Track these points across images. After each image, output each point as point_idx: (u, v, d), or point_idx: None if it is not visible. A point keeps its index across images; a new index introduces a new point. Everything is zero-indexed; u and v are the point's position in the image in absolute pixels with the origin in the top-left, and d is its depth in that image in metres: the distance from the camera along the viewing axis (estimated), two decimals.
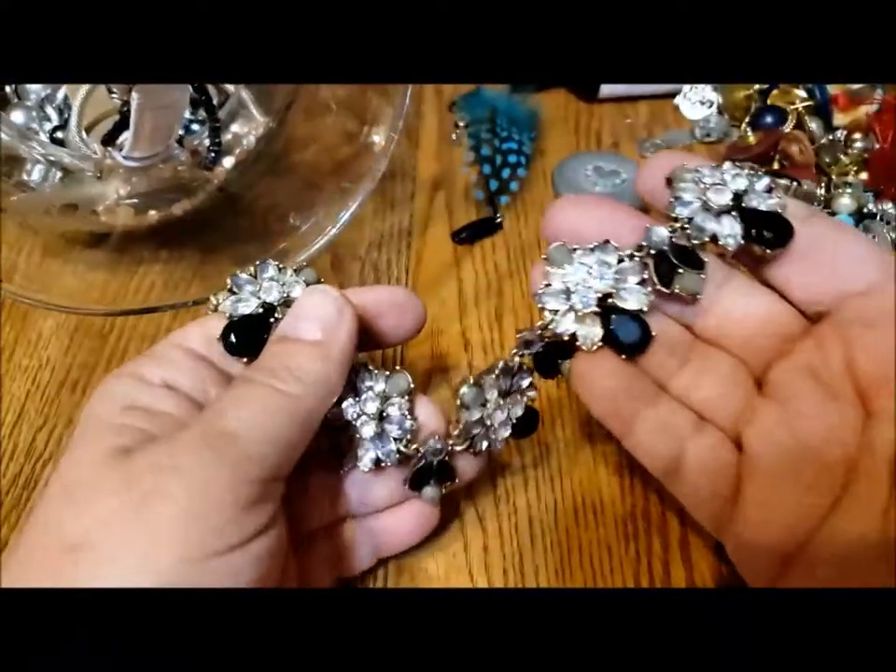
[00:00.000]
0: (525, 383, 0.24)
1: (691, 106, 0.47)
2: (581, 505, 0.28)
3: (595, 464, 0.29)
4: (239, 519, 0.18)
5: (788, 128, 0.42)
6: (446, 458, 0.23)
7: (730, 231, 0.21)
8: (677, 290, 0.21)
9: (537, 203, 0.41)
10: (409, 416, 0.23)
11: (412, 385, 0.23)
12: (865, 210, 0.38)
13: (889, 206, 0.37)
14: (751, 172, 0.22)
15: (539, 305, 0.22)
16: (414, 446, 0.23)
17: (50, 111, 0.36)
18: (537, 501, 0.28)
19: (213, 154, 0.35)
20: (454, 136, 0.45)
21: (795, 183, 0.22)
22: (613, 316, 0.21)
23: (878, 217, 0.37)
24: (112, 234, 0.35)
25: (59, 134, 0.36)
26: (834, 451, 0.20)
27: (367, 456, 0.23)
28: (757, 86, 0.45)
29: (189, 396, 0.21)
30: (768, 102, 0.44)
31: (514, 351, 0.23)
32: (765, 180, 0.21)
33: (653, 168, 0.22)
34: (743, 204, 0.21)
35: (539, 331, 0.22)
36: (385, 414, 0.23)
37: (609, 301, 0.21)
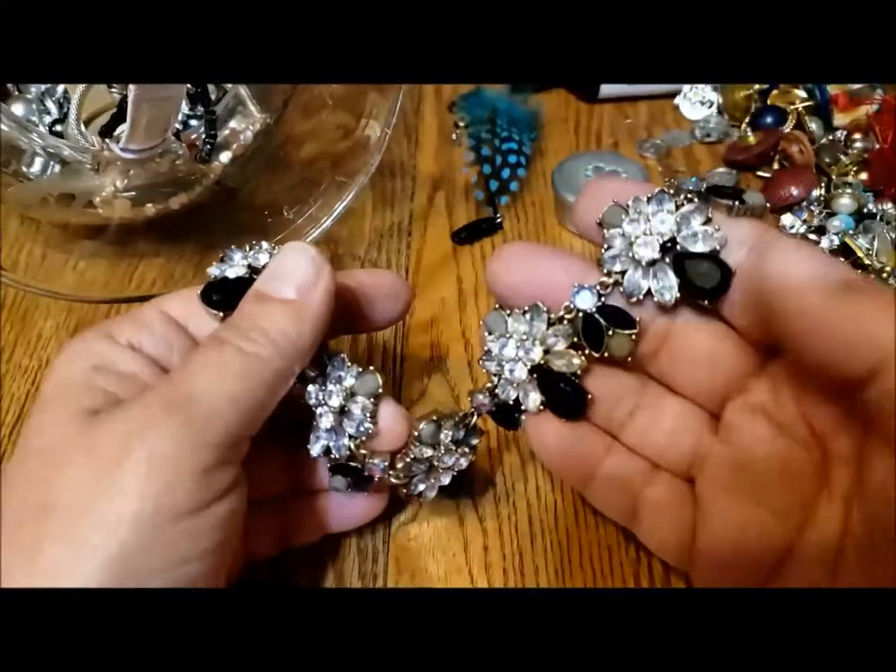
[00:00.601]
0: (474, 441, 0.24)
1: (691, 107, 0.47)
2: (581, 505, 0.28)
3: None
4: (202, 482, 0.18)
5: (788, 128, 0.43)
6: (375, 475, 0.24)
7: (665, 284, 0.20)
8: (606, 355, 0.21)
9: (537, 204, 0.41)
10: (369, 419, 0.22)
11: (380, 388, 0.22)
12: (865, 210, 0.38)
13: (888, 206, 0.37)
14: (688, 200, 0.20)
15: (484, 371, 0.22)
16: (364, 452, 0.23)
17: (50, 104, 0.37)
18: (537, 501, 0.28)
19: (208, 146, 0.35)
20: (454, 136, 0.45)
21: (737, 202, 0.21)
22: (548, 384, 0.21)
23: (878, 218, 0.37)
24: (109, 226, 0.35)
25: (58, 127, 0.36)
26: (789, 491, 0.20)
27: (318, 444, 0.23)
28: (757, 86, 0.45)
29: (153, 358, 0.21)
30: (768, 102, 0.45)
31: (471, 411, 0.23)
32: (701, 215, 0.19)
33: (585, 204, 0.21)
34: (678, 247, 0.20)
35: (489, 393, 0.23)
36: (346, 409, 0.22)
37: (544, 365, 0.21)
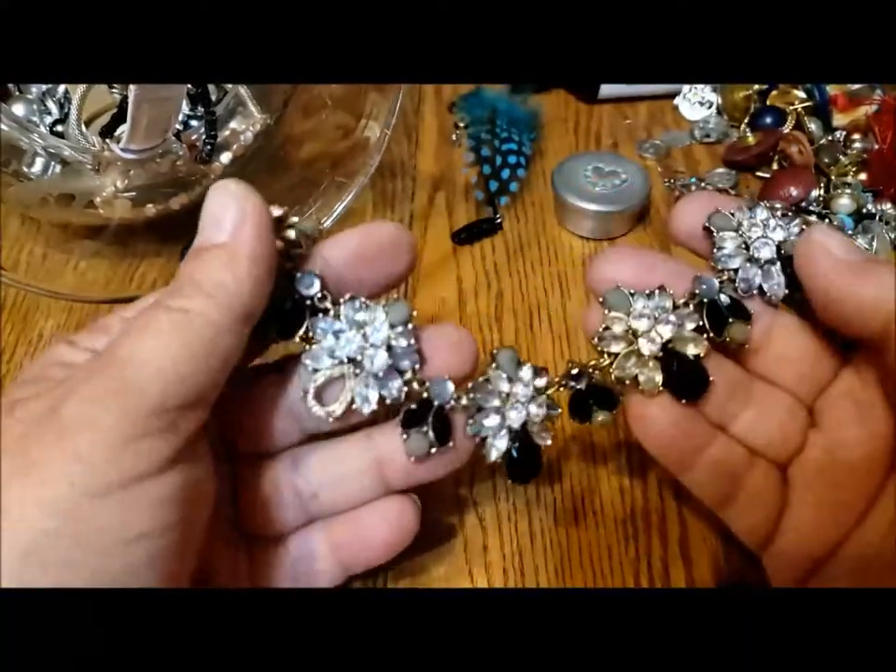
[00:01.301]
0: (543, 411, 0.22)
1: (690, 107, 0.47)
2: (580, 505, 0.28)
3: (595, 464, 0.29)
4: (130, 453, 0.16)
5: (787, 128, 0.43)
6: (448, 410, 0.21)
7: (776, 282, 0.22)
8: (727, 340, 0.22)
9: (536, 204, 0.41)
10: (414, 347, 0.21)
11: (413, 313, 0.21)
12: (864, 210, 0.38)
13: (888, 207, 0.37)
14: (785, 213, 0.23)
15: (600, 349, 0.22)
16: (424, 384, 0.21)
17: (51, 104, 0.37)
18: (536, 501, 0.28)
19: (209, 147, 0.35)
20: (454, 137, 0.45)
21: (826, 220, 0.23)
22: (675, 362, 0.22)
23: (877, 218, 0.37)
24: (109, 226, 0.35)
25: (59, 128, 0.36)
26: (868, 471, 0.21)
27: (372, 395, 0.21)
28: (756, 86, 0.45)
29: None
30: (767, 102, 0.45)
31: (558, 380, 0.22)
32: (797, 226, 0.23)
33: (687, 212, 0.23)
34: (783, 252, 0.22)
35: (591, 370, 0.22)
36: (389, 346, 0.21)
37: (669, 346, 0.22)
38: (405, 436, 0.21)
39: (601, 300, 0.22)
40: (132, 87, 0.29)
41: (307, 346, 0.21)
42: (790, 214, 0.23)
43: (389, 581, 0.26)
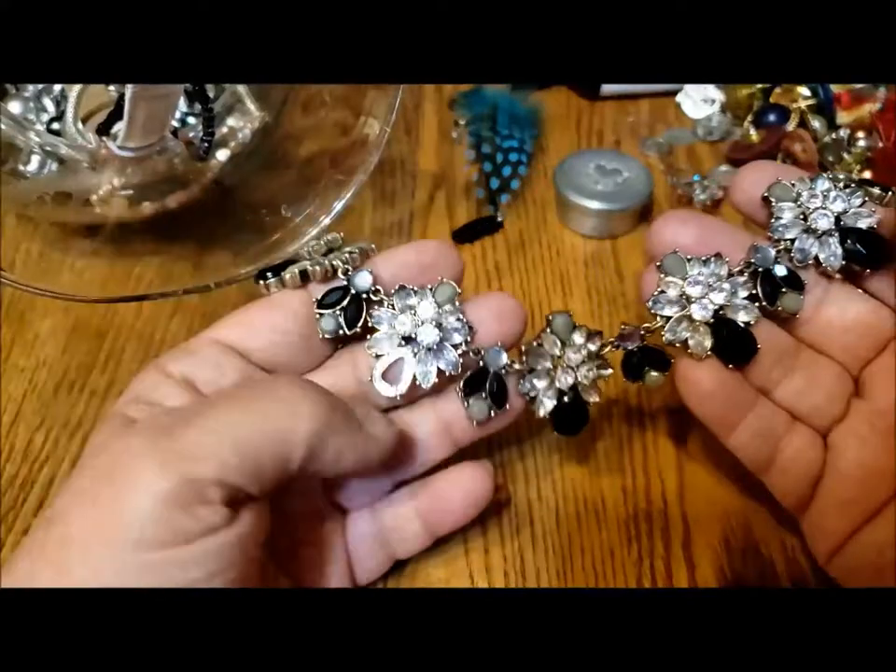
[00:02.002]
0: (593, 373, 0.24)
1: (693, 105, 0.47)
2: (582, 507, 0.28)
3: (598, 466, 0.29)
4: (175, 517, 0.17)
5: (791, 126, 0.42)
6: (503, 375, 0.23)
7: (832, 253, 0.23)
8: (780, 309, 0.23)
9: (538, 202, 0.41)
10: (463, 321, 0.23)
11: (458, 290, 0.23)
12: None
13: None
14: (847, 185, 0.23)
15: (654, 311, 0.23)
16: (479, 350, 0.23)
17: (47, 102, 0.36)
18: (538, 503, 0.28)
19: (206, 144, 0.35)
20: (454, 134, 0.44)
21: (890, 193, 0.23)
22: (725, 329, 0.22)
23: None
24: (106, 225, 0.34)
25: (55, 125, 0.36)
26: (892, 453, 0.22)
27: (431, 370, 0.23)
28: (759, 84, 0.45)
29: (202, 390, 0.21)
30: (771, 100, 0.44)
31: (612, 340, 0.24)
32: (861, 198, 0.23)
33: (748, 180, 0.24)
34: (842, 223, 0.23)
35: (643, 332, 0.23)
36: (441, 325, 0.23)
37: (720, 312, 0.23)
38: (466, 403, 0.23)
39: (658, 264, 0.23)
40: (128, 85, 0.29)
41: (368, 336, 0.23)
42: (852, 185, 0.23)
43: (390, 582, 0.26)
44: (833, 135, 0.41)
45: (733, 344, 0.23)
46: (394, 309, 0.23)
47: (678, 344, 0.23)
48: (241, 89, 0.38)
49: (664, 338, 0.23)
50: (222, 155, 0.37)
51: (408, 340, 0.23)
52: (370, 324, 0.23)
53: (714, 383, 0.23)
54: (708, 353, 0.22)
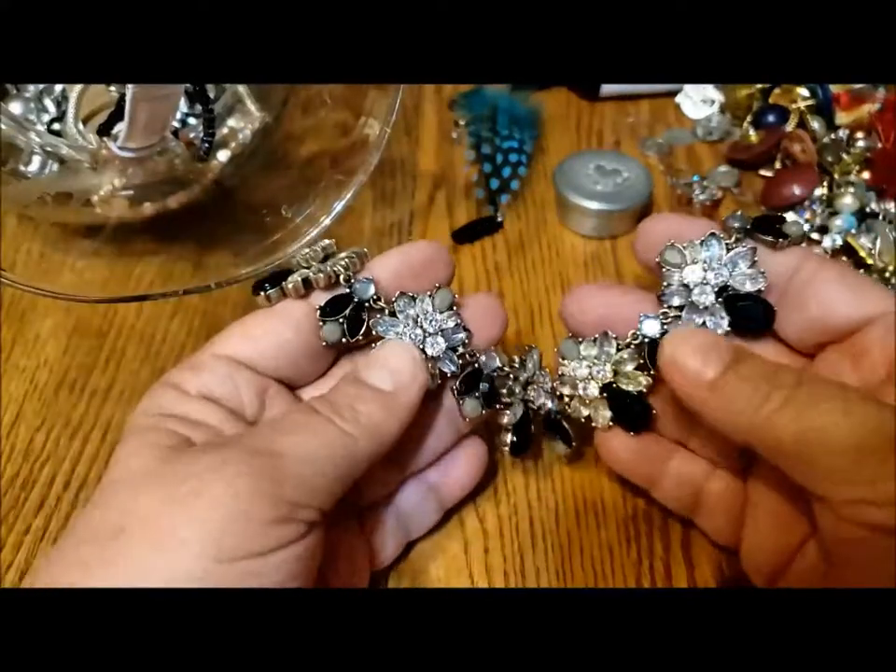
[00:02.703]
0: (547, 384, 0.26)
1: (692, 105, 0.47)
2: (582, 507, 0.28)
3: (597, 465, 0.29)
4: (268, 531, 0.18)
5: (790, 127, 0.42)
6: (494, 377, 0.25)
7: (718, 322, 0.23)
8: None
9: (538, 202, 0.41)
10: (461, 325, 0.24)
11: (456, 297, 0.24)
12: (868, 209, 0.38)
13: (891, 206, 0.37)
14: (737, 240, 0.23)
15: (558, 394, 0.26)
16: (475, 352, 0.24)
17: (48, 103, 0.36)
18: (538, 503, 0.28)
19: (206, 145, 0.35)
20: (454, 135, 0.44)
21: (780, 239, 0.23)
22: (618, 401, 0.24)
23: (881, 217, 0.37)
24: (107, 225, 0.35)
25: (56, 126, 0.36)
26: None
27: (435, 374, 0.24)
28: (759, 84, 0.45)
29: (224, 404, 0.22)
30: (770, 100, 0.44)
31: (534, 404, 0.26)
32: (748, 259, 0.23)
33: (647, 238, 0.25)
34: (729, 290, 0.23)
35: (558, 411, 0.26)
36: (441, 331, 0.24)
37: (613, 385, 0.24)
38: (460, 401, 0.24)
39: (556, 349, 0.25)
40: (129, 86, 0.29)
41: (373, 344, 0.24)
42: (743, 240, 0.23)
43: (390, 582, 0.26)
44: (833, 136, 0.41)
45: (628, 415, 0.24)
46: (395, 317, 0.24)
47: (582, 420, 0.25)
48: (241, 89, 0.38)
49: (571, 415, 0.25)
50: (223, 155, 0.37)
51: None
52: (373, 332, 0.23)
53: (627, 449, 0.25)
54: (610, 424, 0.25)
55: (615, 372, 0.24)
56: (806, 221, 0.38)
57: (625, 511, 0.28)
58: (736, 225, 0.23)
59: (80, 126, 0.34)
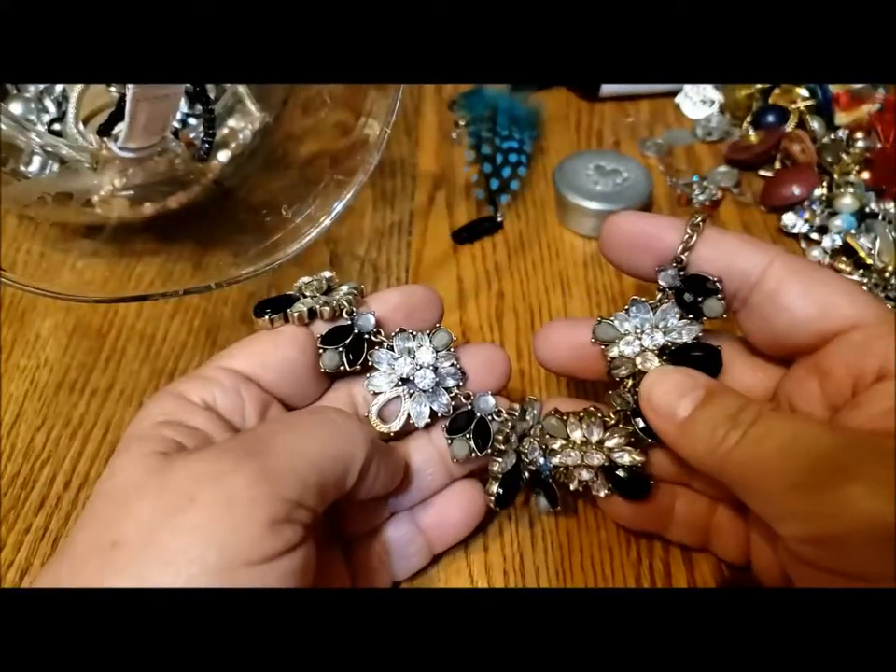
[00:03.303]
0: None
1: (692, 105, 0.47)
2: (581, 507, 0.28)
3: None
4: (270, 533, 0.18)
5: (789, 127, 0.42)
6: (489, 421, 0.24)
7: (600, 489, 0.25)
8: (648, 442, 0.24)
9: (537, 203, 0.41)
10: (457, 367, 0.25)
11: (454, 338, 0.25)
12: (867, 209, 0.38)
13: (890, 206, 0.37)
14: (660, 304, 0.24)
15: (551, 464, 0.25)
16: (468, 394, 0.25)
17: (48, 103, 0.37)
18: (537, 503, 0.28)
19: (206, 145, 0.35)
20: (454, 135, 0.44)
21: (694, 319, 0.24)
22: (615, 477, 0.24)
23: (880, 217, 0.37)
24: (107, 225, 0.35)
25: (56, 126, 0.36)
26: None
27: (424, 410, 0.24)
28: (758, 85, 0.45)
29: (226, 417, 0.22)
30: (770, 101, 0.44)
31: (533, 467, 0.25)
32: (676, 314, 0.24)
33: (609, 240, 0.25)
34: (670, 345, 0.24)
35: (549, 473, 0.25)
36: (434, 367, 0.24)
37: (606, 464, 0.24)
38: (449, 441, 0.24)
39: (542, 427, 0.25)
40: (129, 86, 0.29)
41: (368, 374, 0.25)
42: (667, 299, 0.24)
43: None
44: (832, 136, 0.41)
45: (626, 487, 0.24)
46: (393, 351, 0.24)
47: (581, 489, 0.25)
48: (242, 89, 0.38)
49: (570, 485, 0.25)
50: (223, 156, 0.37)
51: (405, 381, 0.24)
52: (369, 363, 0.24)
53: (632, 510, 0.25)
54: (608, 493, 0.24)
55: (608, 450, 0.24)
56: (806, 221, 0.38)
57: None
58: (664, 284, 0.24)
59: (80, 126, 0.34)
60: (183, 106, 0.37)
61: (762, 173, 0.42)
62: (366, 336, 0.24)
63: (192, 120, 0.38)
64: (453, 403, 0.24)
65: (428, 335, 0.25)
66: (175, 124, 0.36)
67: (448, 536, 0.26)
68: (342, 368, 0.24)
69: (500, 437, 0.24)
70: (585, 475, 0.25)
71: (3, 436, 0.31)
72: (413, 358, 0.24)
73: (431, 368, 0.24)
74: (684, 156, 0.44)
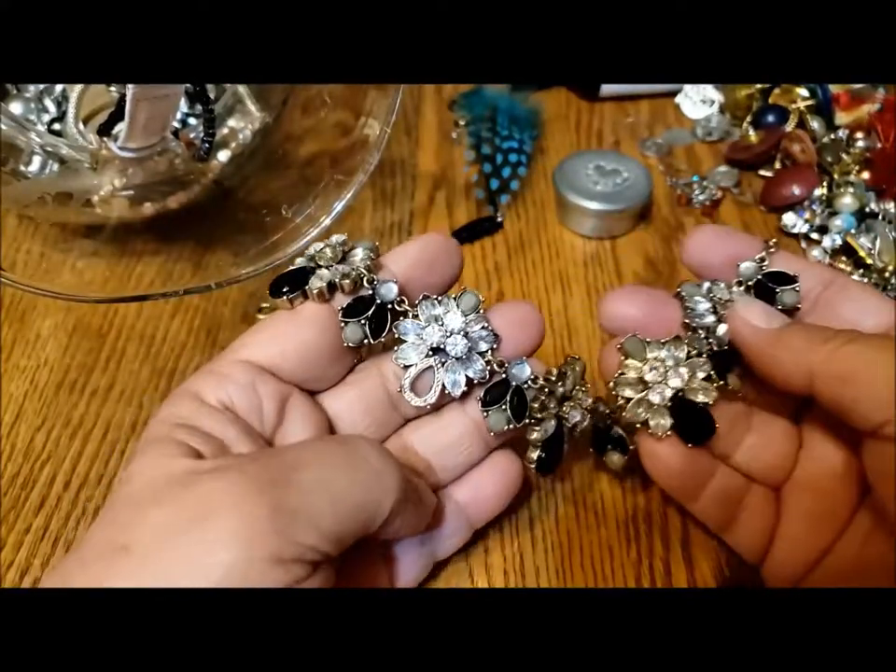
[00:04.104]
0: (587, 402, 0.25)
1: (692, 105, 0.47)
2: (581, 506, 0.28)
3: (597, 465, 0.29)
4: (272, 569, 0.17)
5: (789, 127, 0.42)
6: (525, 389, 0.23)
7: (659, 423, 0.23)
8: (729, 387, 0.23)
9: (538, 202, 0.41)
10: (489, 329, 0.23)
11: (482, 299, 0.23)
12: (867, 209, 0.38)
13: (890, 206, 0.37)
14: (700, 354, 0.23)
15: (615, 393, 0.24)
16: (500, 359, 0.23)
17: (48, 103, 0.37)
18: (537, 503, 0.28)
19: (206, 145, 0.35)
20: (454, 135, 0.44)
21: (730, 386, 0.23)
22: (684, 411, 0.23)
23: (880, 217, 0.37)
24: (107, 225, 0.35)
25: (56, 126, 0.36)
26: (849, 482, 0.23)
27: (460, 379, 0.23)
28: (758, 85, 0.45)
29: (243, 417, 0.21)
30: (770, 101, 0.44)
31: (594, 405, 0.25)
32: (705, 372, 0.23)
33: (693, 250, 0.25)
34: (680, 395, 0.23)
35: (609, 412, 0.24)
36: (468, 334, 0.23)
37: (680, 394, 0.23)
38: (485, 413, 0.23)
39: (619, 346, 0.24)
40: (129, 86, 0.29)
41: (395, 346, 0.23)
42: (702, 354, 0.23)
43: None
44: (832, 136, 0.41)
45: (692, 426, 0.23)
46: (419, 319, 0.23)
47: (638, 425, 0.24)
48: (241, 89, 0.38)
49: (624, 419, 0.24)
50: (223, 156, 0.37)
51: (435, 350, 0.23)
52: (395, 334, 0.23)
53: (676, 460, 0.24)
54: (668, 433, 0.23)
55: (686, 379, 0.23)
56: (806, 221, 0.38)
57: (625, 511, 0.28)
58: (744, 277, 0.24)
59: (80, 126, 0.34)
60: (183, 106, 0.37)
61: (762, 173, 0.42)
62: (388, 305, 0.23)
63: (192, 120, 0.38)
64: (488, 368, 0.23)
65: (454, 299, 0.23)
66: (175, 124, 0.36)
67: (485, 511, 0.25)
68: (365, 341, 0.23)
69: (536, 405, 0.23)
70: (644, 413, 0.23)
71: (3, 436, 0.31)
72: (442, 325, 0.23)
73: (462, 333, 0.23)
74: (684, 156, 0.44)
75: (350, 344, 0.23)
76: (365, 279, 0.23)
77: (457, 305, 0.23)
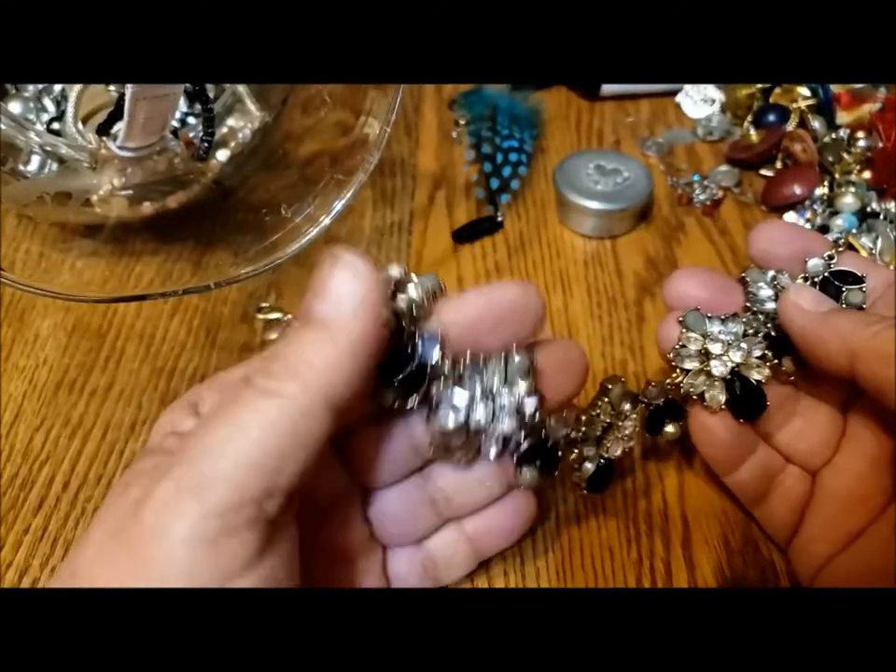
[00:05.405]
0: (628, 429, 0.25)
1: (693, 105, 0.47)
2: (582, 507, 0.28)
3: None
4: (212, 554, 0.16)
5: (790, 126, 0.42)
6: (557, 445, 0.23)
7: (713, 395, 0.24)
8: (783, 368, 0.24)
9: (538, 202, 0.41)
10: (537, 392, 0.21)
11: (534, 360, 0.21)
12: (868, 209, 0.38)
13: (892, 205, 0.37)
14: (757, 332, 0.24)
15: (674, 364, 0.24)
16: (540, 419, 0.21)
17: (47, 102, 0.37)
18: (537, 502, 0.28)
19: (206, 145, 0.35)
20: (454, 134, 0.44)
21: (783, 367, 0.24)
22: (740, 386, 0.24)
23: (881, 216, 0.37)
24: (106, 225, 0.35)
25: (55, 125, 0.36)
26: (882, 477, 0.23)
27: (494, 449, 0.21)
28: (760, 84, 0.45)
29: None
30: (771, 100, 0.44)
31: (642, 400, 0.25)
32: (761, 350, 0.24)
33: (758, 244, 0.25)
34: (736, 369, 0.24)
35: (669, 386, 0.25)
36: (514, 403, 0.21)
37: (736, 370, 0.24)
38: (518, 470, 0.22)
39: (680, 319, 0.24)
40: (128, 85, 0.29)
41: (430, 408, 0.21)
42: (759, 336, 0.24)
43: None
44: (833, 135, 0.41)
45: (746, 401, 0.24)
46: (463, 387, 0.20)
47: (694, 396, 0.24)
48: (241, 89, 0.38)
49: (682, 390, 0.24)
50: (222, 155, 0.37)
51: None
52: (433, 401, 0.21)
53: (725, 433, 0.24)
54: (722, 406, 0.24)
55: (743, 355, 0.24)
56: (807, 221, 0.38)
57: (626, 510, 0.28)
58: (811, 273, 0.24)
59: (80, 126, 0.34)
60: (182, 106, 0.37)
61: (763, 172, 0.42)
62: (429, 368, 0.20)
63: (191, 120, 0.38)
64: (524, 432, 0.22)
65: (503, 361, 0.21)
66: (175, 123, 0.36)
67: (494, 545, 0.25)
68: (396, 405, 0.20)
69: (573, 455, 0.23)
70: (703, 386, 0.24)
71: (2, 436, 0.31)
72: (489, 399, 0.21)
73: (512, 411, 0.21)
74: (685, 155, 0.44)
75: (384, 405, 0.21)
76: (405, 334, 0.20)
77: (506, 369, 0.21)
